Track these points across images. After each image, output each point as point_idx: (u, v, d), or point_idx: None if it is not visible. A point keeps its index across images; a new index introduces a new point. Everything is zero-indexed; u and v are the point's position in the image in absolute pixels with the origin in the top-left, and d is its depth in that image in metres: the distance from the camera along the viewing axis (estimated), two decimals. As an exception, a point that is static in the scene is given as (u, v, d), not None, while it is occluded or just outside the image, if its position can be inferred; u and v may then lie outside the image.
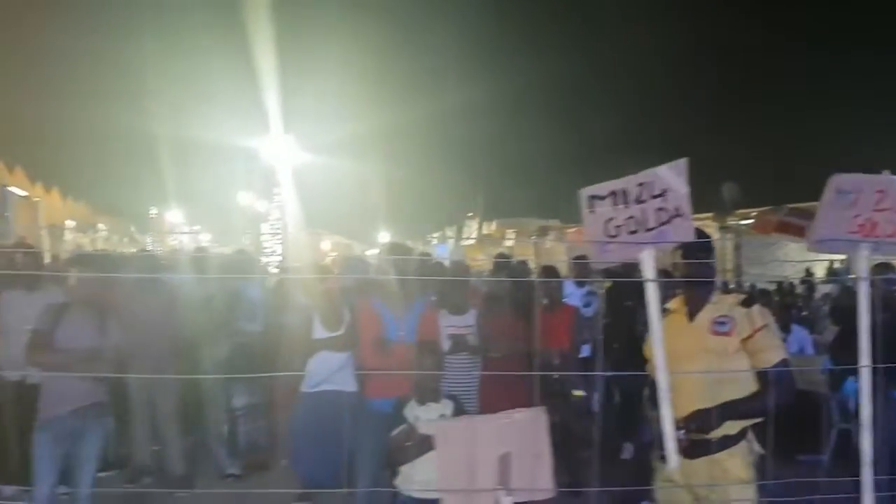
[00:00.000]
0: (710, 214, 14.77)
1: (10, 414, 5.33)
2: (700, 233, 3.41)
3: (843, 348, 6.18)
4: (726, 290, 3.90)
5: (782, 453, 3.38)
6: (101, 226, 22.28)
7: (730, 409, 3.31)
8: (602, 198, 3.16)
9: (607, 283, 6.97)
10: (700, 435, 3.30)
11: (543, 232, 23.97)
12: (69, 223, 18.23)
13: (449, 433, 2.82)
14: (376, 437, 4.77)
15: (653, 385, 3.32)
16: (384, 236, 30.95)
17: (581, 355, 6.37)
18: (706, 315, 3.48)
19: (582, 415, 5.75)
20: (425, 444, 3.84)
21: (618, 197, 3.14)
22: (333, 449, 5.34)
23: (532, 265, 9.81)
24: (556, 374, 5.49)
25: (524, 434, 2.65)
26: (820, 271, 15.74)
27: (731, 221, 15.03)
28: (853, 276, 3.31)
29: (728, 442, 3.35)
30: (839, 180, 3.15)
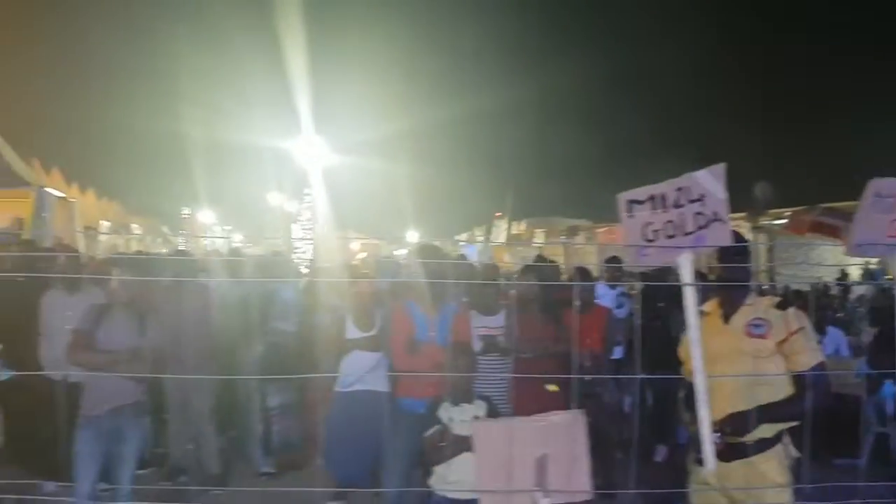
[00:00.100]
0: (742, 214, 14.62)
1: (52, 412, 5.45)
2: (737, 236, 3.40)
3: (882, 351, 6.12)
4: (761, 291, 3.87)
5: (818, 457, 3.36)
6: (134, 226, 22.55)
7: (765, 412, 3.30)
8: (640, 202, 3.17)
9: (640, 285, 6.94)
10: (735, 438, 3.30)
11: (573, 232, 23.89)
12: (104, 224, 18.47)
13: (487, 434, 2.85)
14: (408, 437, 4.81)
15: (687, 387, 3.32)
16: (412, 236, 31.01)
17: (613, 357, 6.35)
18: (741, 317, 3.47)
19: (614, 417, 5.74)
20: (460, 445, 3.88)
21: (656, 201, 3.15)
22: (366, 448, 5.39)
23: (562, 266, 9.78)
24: (588, 377, 5.48)
25: (562, 436, 2.67)
26: (855, 273, 15.52)
27: (764, 221, 14.87)
28: (890, 277, 3.29)
29: (764, 445, 3.34)
30: (878, 184, 3.13)
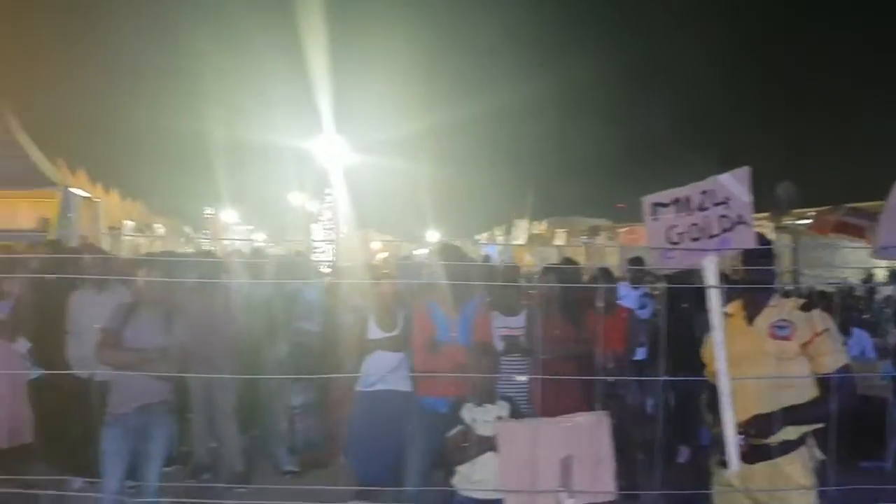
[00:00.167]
0: (765, 214, 14.50)
1: (80, 410, 5.53)
2: (762, 238, 3.39)
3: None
4: (785, 293, 3.85)
5: (844, 459, 3.35)
6: (157, 226, 22.75)
7: (790, 414, 3.28)
8: (665, 205, 3.18)
9: (663, 286, 6.92)
10: (759, 440, 3.29)
11: (594, 232, 23.78)
12: (128, 223, 18.65)
13: (512, 434, 2.87)
14: (429, 436, 4.84)
15: (710, 389, 3.32)
16: (432, 236, 31.05)
17: (636, 358, 6.33)
18: (765, 319, 3.46)
19: (637, 418, 5.73)
20: (483, 445, 3.90)
21: (681, 204, 3.16)
22: (389, 447, 5.43)
23: (584, 266, 9.76)
24: (610, 378, 5.47)
25: (586, 437, 2.69)
26: (881, 274, 15.33)
27: (788, 221, 14.74)
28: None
29: (788, 447, 3.32)
30: (904, 184, 3.11)
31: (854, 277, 13.00)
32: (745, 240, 3.11)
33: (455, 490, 4.32)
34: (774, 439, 3.29)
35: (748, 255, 3.34)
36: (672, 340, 4.36)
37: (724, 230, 3.09)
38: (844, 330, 7.15)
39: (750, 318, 3.51)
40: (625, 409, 5.60)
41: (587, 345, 5.28)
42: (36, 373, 5.97)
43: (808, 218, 14.14)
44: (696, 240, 3.13)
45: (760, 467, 3.31)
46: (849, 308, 10.20)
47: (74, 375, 5.71)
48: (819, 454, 3.39)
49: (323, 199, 20.74)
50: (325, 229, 20.16)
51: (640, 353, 6.50)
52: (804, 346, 3.33)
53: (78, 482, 5.63)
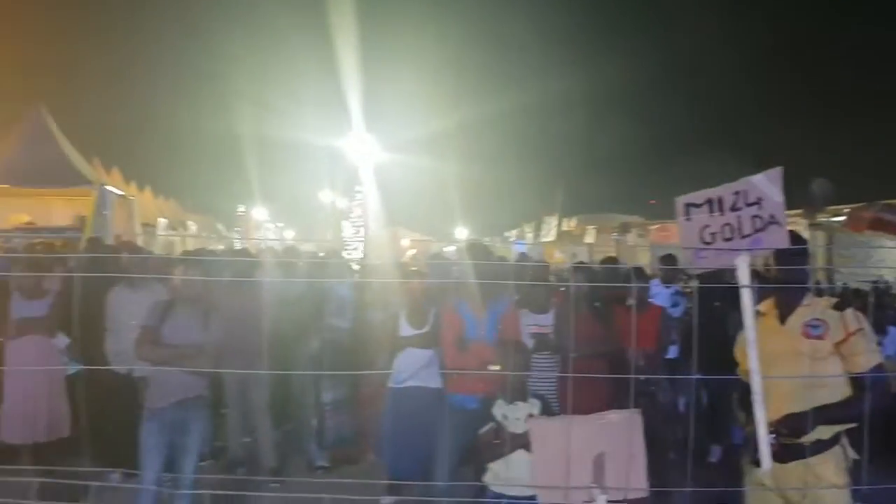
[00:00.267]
0: (799, 212, 14.34)
1: (118, 405, 5.64)
2: (795, 237, 3.38)
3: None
4: (819, 292, 3.83)
5: (877, 458, 3.32)
6: (190, 223, 23.01)
7: (823, 414, 3.27)
8: (698, 205, 3.19)
9: (695, 284, 6.88)
10: (792, 439, 3.28)
11: (625, 228, 23.63)
12: (161, 221, 18.89)
13: (544, 432, 2.90)
14: (459, 433, 4.88)
15: (743, 388, 3.31)
16: (462, 233, 31.07)
17: (668, 356, 6.30)
18: (798, 318, 3.44)
19: (669, 417, 5.71)
20: (516, 442, 3.93)
21: (713, 205, 3.17)
22: (420, 444, 5.48)
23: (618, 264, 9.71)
24: (642, 377, 5.45)
25: (619, 435, 2.71)
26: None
27: (822, 219, 14.56)
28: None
29: (821, 446, 3.31)
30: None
31: (889, 275, 12.80)
32: (777, 240, 3.11)
33: (486, 486, 4.36)
34: (807, 439, 3.27)
35: (781, 254, 3.34)
36: (704, 339, 4.35)
37: (757, 230, 3.10)
38: (879, 329, 7.06)
39: (783, 318, 3.50)
40: (656, 408, 5.58)
41: (617, 343, 5.28)
42: (74, 368, 6.10)
43: (842, 215, 13.95)
44: (728, 240, 3.14)
45: (793, 467, 3.30)
46: (883, 306, 10.03)
47: (112, 371, 5.82)
48: (852, 454, 3.38)
49: (353, 197, 20.83)
50: (354, 226, 20.25)
51: (672, 352, 6.47)
52: (837, 345, 3.32)
53: (116, 475, 5.75)
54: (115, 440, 5.63)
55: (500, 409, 4.46)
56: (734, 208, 3.13)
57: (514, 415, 4.38)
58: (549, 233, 30.13)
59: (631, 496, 2.66)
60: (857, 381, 3.29)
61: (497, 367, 5.03)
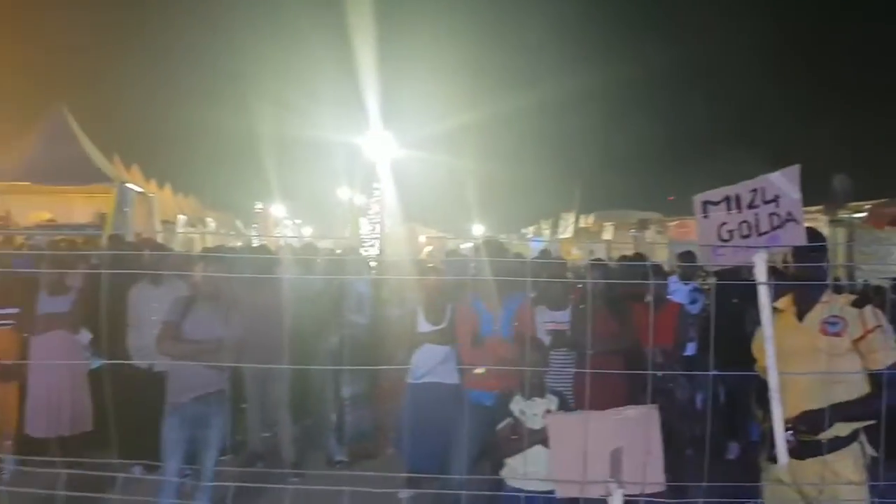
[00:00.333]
0: (819, 208, 14.21)
1: (140, 400, 5.71)
2: (813, 233, 3.37)
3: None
4: (838, 289, 3.82)
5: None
6: (209, 220, 23.14)
7: (840, 411, 3.27)
8: (715, 203, 3.21)
9: (714, 281, 6.85)
10: (810, 436, 3.28)
11: (643, 225, 23.47)
12: (181, 218, 19.00)
13: (562, 427, 2.91)
14: (474, 429, 4.90)
15: (760, 384, 3.31)
16: (478, 229, 31.07)
17: (686, 353, 6.28)
18: (816, 315, 3.44)
19: (686, 414, 5.70)
20: (534, 438, 3.95)
21: (731, 202, 3.18)
22: (438, 440, 5.51)
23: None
24: (659, 373, 5.45)
25: (636, 430, 2.72)
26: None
27: (843, 215, 14.41)
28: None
29: (839, 443, 3.31)
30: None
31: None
32: (794, 237, 3.12)
33: (503, 480, 4.38)
34: (825, 436, 3.27)
35: (799, 251, 3.33)
36: (722, 336, 4.34)
37: (774, 227, 3.11)
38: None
39: (801, 314, 3.50)
40: (674, 405, 5.58)
41: (634, 340, 5.28)
42: (97, 363, 6.18)
43: (863, 211, 13.81)
44: (746, 237, 3.15)
45: (810, 463, 3.30)
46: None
47: (134, 366, 5.90)
48: (871, 451, 3.37)
49: (370, 194, 20.89)
50: (371, 223, 20.31)
51: (691, 349, 6.45)
52: (856, 342, 3.31)
53: (137, 469, 5.82)
54: (137, 434, 5.70)
55: (517, 405, 4.48)
56: (751, 206, 3.14)
57: (531, 411, 4.40)
58: (567, 229, 30.02)
59: (647, 491, 2.67)
60: (875, 378, 3.29)
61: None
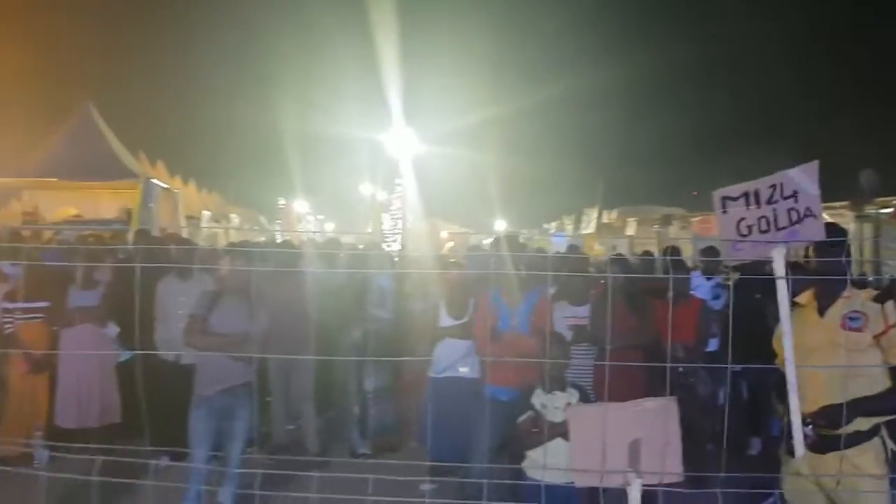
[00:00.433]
0: (845, 203, 14.07)
1: (167, 392, 5.80)
2: (834, 228, 3.37)
3: None
4: (861, 284, 3.81)
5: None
6: (233, 216, 23.33)
7: (861, 406, 3.26)
8: (734, 199, 3.23)
9: (736, 276, 6.81)
10: (830, 430, 3.28)
11: (667, 220, 23.34)
12: (205, 213, 19.16)
13: (582, 418, 2.95)
14: (493, 424, 4.93)
15: (781, 379, 3.32)
16: (500, 225, 31.02)
17: (708, 349, 6.26)
18: (837, 310, 3.44)
19: (708, 409, 5.69)
20: (554, 431, 3.99)
21: (750, 198, 3.21)
22: (460, 433, 5.55)
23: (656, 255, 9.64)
24: (680, 368, 5.45)
25: (654, 421, 2.75)
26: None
27: (870, 210, 14.26)
28: None
29: (859, 438, 3.31)
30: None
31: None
32: (813, 232, 3.14)
33: (523, 470, 4.43)
34: (845, 430, 3.27)
35: (820, 246, 3.34)
36: (744, 331, 4.34)
37: (793, 223, 3.12)
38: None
39: (822, 309, 3.50)
40: (695, 401, 5.57)
41: (655, 335, 5.28)
42: (125, 355, 6.29)
43: (890, 207, 13.65)
44: (764, 232, 3.17)
45: (830, 457, 3.31)
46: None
47: (161, 358, 5.99)
48: (892, 445, 3.37)
49: (393, 190, 20.98)
50: (393, 218, 20.41)
51: (713, 345, 6.42)
52: (877, 337, 3.31)
53: (164, 459, 5.92)
54: (164, 425, 5.79)
55: (538, 399, 4.52)
56: (770, 201, 3.16)
57: (552, 404, 4.43)
58: (589, 225, 29.91)
59: (665, 481, 2.70)
60: (896, 374, 3.28)
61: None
